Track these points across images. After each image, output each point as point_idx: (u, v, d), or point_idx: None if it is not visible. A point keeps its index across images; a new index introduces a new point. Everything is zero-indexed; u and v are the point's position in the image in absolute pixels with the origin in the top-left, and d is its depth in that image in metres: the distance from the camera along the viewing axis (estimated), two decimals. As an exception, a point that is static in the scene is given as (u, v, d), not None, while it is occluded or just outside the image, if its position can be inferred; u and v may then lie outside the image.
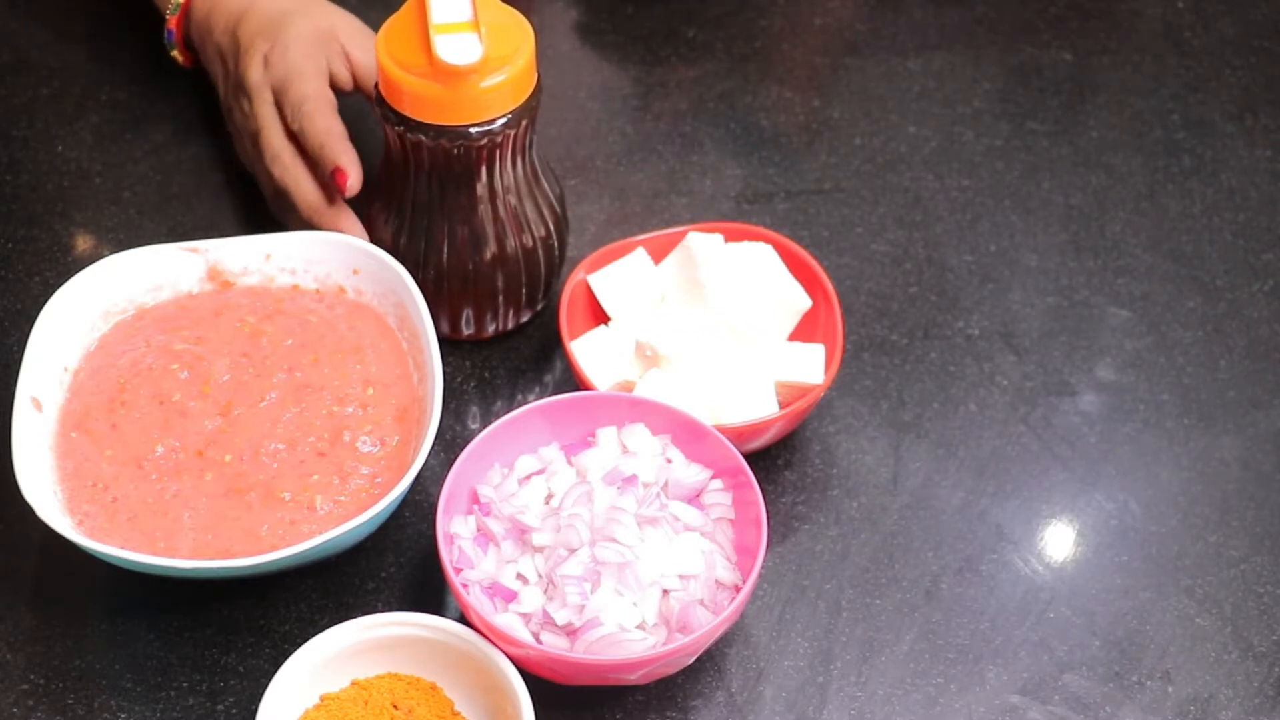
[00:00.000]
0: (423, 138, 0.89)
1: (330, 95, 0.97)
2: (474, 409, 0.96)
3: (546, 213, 0.95)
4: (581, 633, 0.81)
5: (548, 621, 0.82)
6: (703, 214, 1.06)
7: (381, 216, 0.95)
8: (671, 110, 1.13)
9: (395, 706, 0.81)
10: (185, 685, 0.84)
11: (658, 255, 0.97)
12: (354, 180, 0.94)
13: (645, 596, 0.82)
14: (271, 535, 0.83)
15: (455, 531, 0.85)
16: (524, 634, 0.82)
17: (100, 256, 0.93)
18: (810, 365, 0.92)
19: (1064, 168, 1.11)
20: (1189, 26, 1.22)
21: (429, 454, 0.84)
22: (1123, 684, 0.86)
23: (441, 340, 0.90)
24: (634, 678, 0.81)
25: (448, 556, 0.82)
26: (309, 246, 0.93)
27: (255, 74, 0.98)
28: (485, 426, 0.87)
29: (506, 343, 0.99)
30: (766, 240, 0.97)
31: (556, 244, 0.97)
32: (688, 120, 1.12)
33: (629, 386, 0.92)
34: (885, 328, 1.01)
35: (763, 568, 0.85)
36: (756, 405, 0.91)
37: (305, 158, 0.97)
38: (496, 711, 0.81)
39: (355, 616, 0.81)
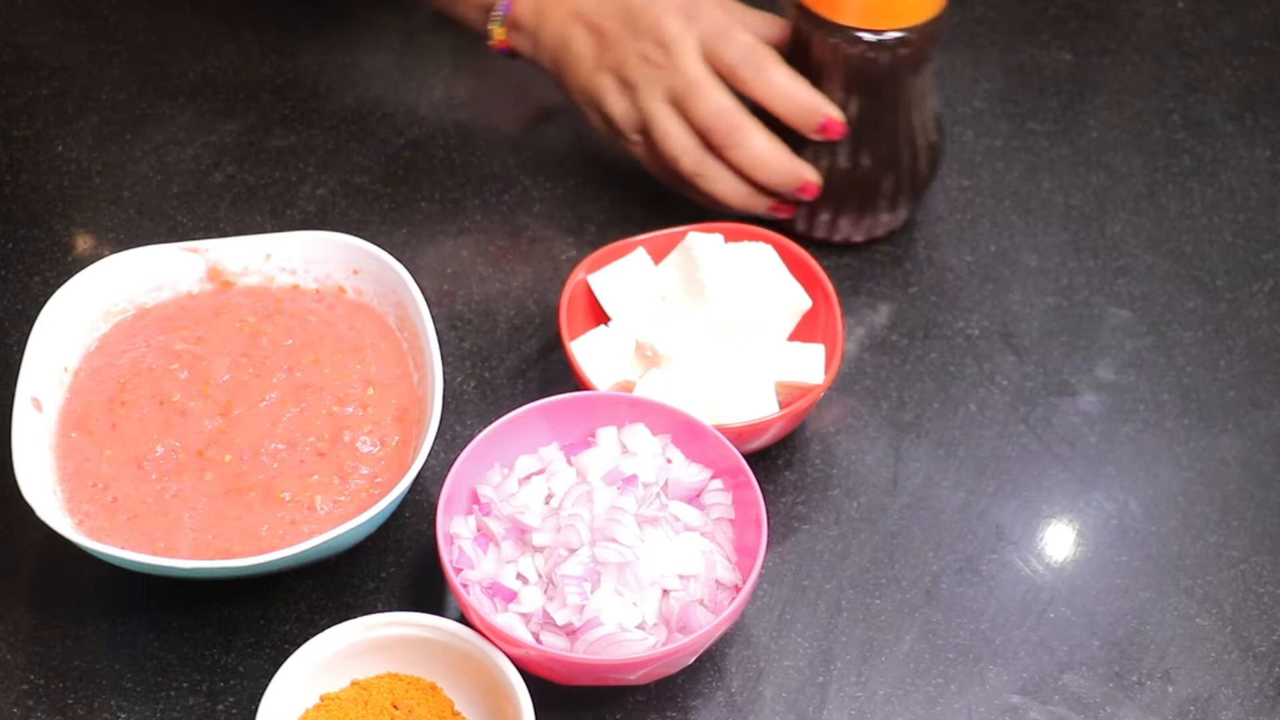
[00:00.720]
0: (840, 41, 0.95)
1: None
2: (474, 409, 0.96)
3: (931, 124, 1.02)
4: (581, 633, 0.81)
5: (548, 621, 0.82)
6: (703, 214, 1.06)
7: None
8: (671, 110, 1.13)
9: (395, 706, 0.81)
10: (185, 685, 0.84)
11: (658, 255, 0.97)
12: (842, 124, 0.98)
13: (645, 596, 0.82)
14: (271, 535, 0.83)
15: (455, 531, 0.85)
16: (524, 634, 0.82)
17: (100, 256, 0.93)
18: (810, 365, 0.92)
19: (1064, 168, 1.10)
20: (1189, 26, 1.22)
21: (429, 454, 0.84)
22: (1123, 684, 0.86)
23: (807, 240, 1.00)
24: (634, 678, 0.81)
25: (448, 556, 0.82)
26: (309, 246, 0.93)
27: (674, 25, 0.97)
28: (485, 426, 0.87)
29: (507, 342, 0.99)
30: (766, 240, 0.97)
31: (938, 154, 1.03)
32: (688, 120, 1.12)
33: (629, 386, 0.92)
34: (885, 328, 1.01)
35: (763, 568, 0.85)
36: (756, 405, 0.91)
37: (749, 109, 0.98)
38: (496, 711, 0.81)
39: (355, 616, 0.81)
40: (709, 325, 0.94)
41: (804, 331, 0.96)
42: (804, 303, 0.96)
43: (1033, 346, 1.01)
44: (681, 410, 0.88)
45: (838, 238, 1.04)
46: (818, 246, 1.04)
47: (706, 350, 0.92)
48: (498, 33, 1.03)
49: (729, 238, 0.97)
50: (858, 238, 1.04)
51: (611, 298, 0.96)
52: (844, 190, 1.01)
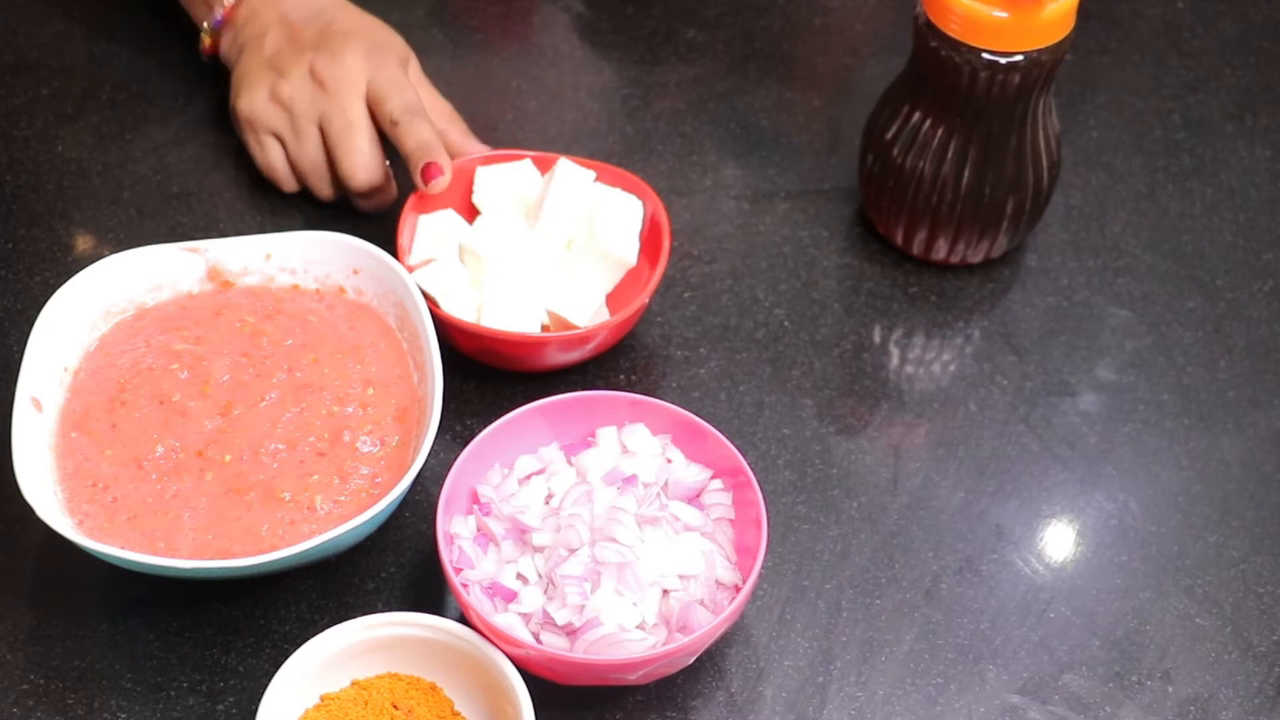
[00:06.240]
0: (973, 63, 0.93)
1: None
2: (474, 409, 0.96)
3: (1054, 144, 1.01)
4: (581, 633, 0.81)
5: (548, 621, 0.82)
6: (703, 214, 1.06)
7: (888, 133, 1.00)
8: (671, 110, 1.13)
9: (395, 706, 0.81)
10: (185, 685, 0.84)
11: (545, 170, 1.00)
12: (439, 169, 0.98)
13: (645, 596, 0.82)
14: (271, 535, 0.83)
15: (455, 531, 0.85)
16: (524, 634, 0.82)
17: (100, 256, 0.93)
18: (581, 307, 0.94)
19: (1064, 168, 1.10)
20: (1189, 26, 1.22)
21: (429, 454, 0.84)
22: (1123, 684, 0.86)
23: (911, 258, 1.02)
24: (634, 678, 0.81)
25: (448, 556, 0.82)
26: (309, 246, 0.93)
27: (355, 61, 1.01)
28: (485, 426, 0.87)
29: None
30: (646, 198, 0.98)
31: (1058, 174, 1.02)
32: (688, 120, 1.12)
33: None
34: (885, 327, 1.01)
35: (763, 568, 0.85)
36: (520, 321, 0.94)
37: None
38: (496, 711, 0.81)
39: (355, 616, 0.81)
40: (526, 241, 0.97)
41: (622, 293, 0.98)
42: (629, 258, 0.97)
43: (1033, 346, 1.01)
44: (681, 410, 0.88)
45: (955, 260, 1.03)
46: (818, 246, 1.04)
47: (506, 257, 0.96)
48: (206, 40, 1.07)
49: (602, 178, 0.99)
50: (975, 259, 1.03)
51: (483, 193, 0.99)
52: (968, 212, 1.00)
